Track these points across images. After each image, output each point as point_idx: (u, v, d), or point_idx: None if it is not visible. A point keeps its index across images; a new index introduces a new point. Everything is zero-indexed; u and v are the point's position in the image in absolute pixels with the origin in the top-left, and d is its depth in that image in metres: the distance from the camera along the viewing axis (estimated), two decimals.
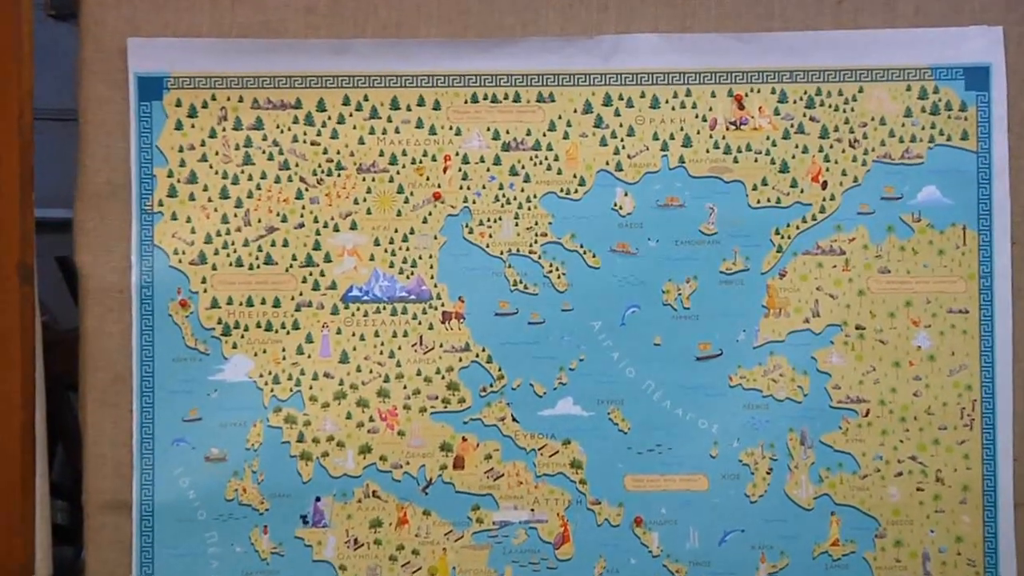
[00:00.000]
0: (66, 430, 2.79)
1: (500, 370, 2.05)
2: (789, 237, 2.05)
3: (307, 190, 2.04)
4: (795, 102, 2.05)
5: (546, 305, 2.05)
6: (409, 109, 2.04)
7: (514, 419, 2.05)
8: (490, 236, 2.05)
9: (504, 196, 2.06)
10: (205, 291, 2.04)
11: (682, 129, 2.06)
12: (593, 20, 2.03)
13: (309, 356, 2.04)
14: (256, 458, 2.03)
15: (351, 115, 2.04)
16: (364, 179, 2.05)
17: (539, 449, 2.05)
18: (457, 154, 2.05)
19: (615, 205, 2.05)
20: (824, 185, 2.05)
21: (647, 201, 2.05)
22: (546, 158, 2.06)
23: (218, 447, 2.02)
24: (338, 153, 2.05)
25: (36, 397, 1.99)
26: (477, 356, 2.05)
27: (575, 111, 2.05)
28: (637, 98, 2.05)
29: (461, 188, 2.05)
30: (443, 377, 2.05)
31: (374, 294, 2.04)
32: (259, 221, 2.04)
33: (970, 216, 2.04)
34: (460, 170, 2.05)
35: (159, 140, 2.03)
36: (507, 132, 2.05)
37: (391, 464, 2.05)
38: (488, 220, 2.06)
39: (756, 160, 2.05)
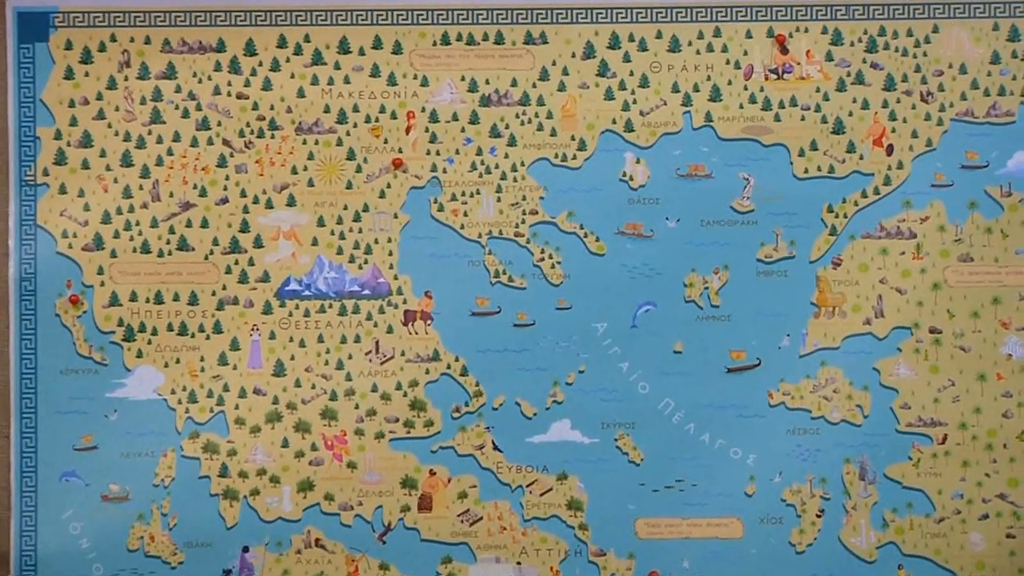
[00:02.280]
0: None
1: (478, 385, 1.78)
2: (845, 216, 1.78)
3: (232, 156, 1.78)
4: (852, 44, 1.78)
5: (536, 302, 1.78)
6: (362, 53, 1.78)
7: (496, 447, 1.78)
8: (465, 215, 1.79)
9: (483, 164, 1.78)
10: (102, 284, 1.78)
11: (709, 78, 1.79)
12: None
13: (234, 367, 1.78)
14: (167, 497, 1.77)
15: (288, 60, 1.78)
16: (304, 142, 1.78)
17: (528, 486, 1.78)
18: (423, 110, 1.79)
19: (624, 175, 1.79)
20: (889, 150, 1.79)
21: (664, 170, 1.78)
22: (536, 115, 1.79)
23: (119, 483, 1.77)
24: (271, 109, 1.78)
25: None
26: (449, 367, 1.78)
27: (573, 55, 1.79)
28: (652, 39, 1.78)
29: (428, 154, 1.79)
30: (405, 394, 1.78)
31: (317, 288, 1.78)
32: (171, 195, 1.78)
33: None
34: (427, 130, 1.79)
35: (44, 93, 1.77)
36: (486, 82, 1.79)
37: (339, 505, 1.78)
38: (463, 194, 1.79)
39: (803, 118, 1.79)
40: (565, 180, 1.77)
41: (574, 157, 1.77)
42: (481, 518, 1.77)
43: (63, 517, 1.76)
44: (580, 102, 1.77)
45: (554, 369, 1.76)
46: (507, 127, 1.77)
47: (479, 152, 1.77)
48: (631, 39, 1.77)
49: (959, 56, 1.77)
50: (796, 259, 1.77)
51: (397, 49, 1.76)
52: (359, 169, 1.77)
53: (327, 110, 1.77)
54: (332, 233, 1.77)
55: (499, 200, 1.77)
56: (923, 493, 1.77)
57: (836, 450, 1.77)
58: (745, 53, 1.77)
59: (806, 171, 1.77)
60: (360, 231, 1.77)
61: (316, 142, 1.77)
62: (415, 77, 1.77)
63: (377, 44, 1.76)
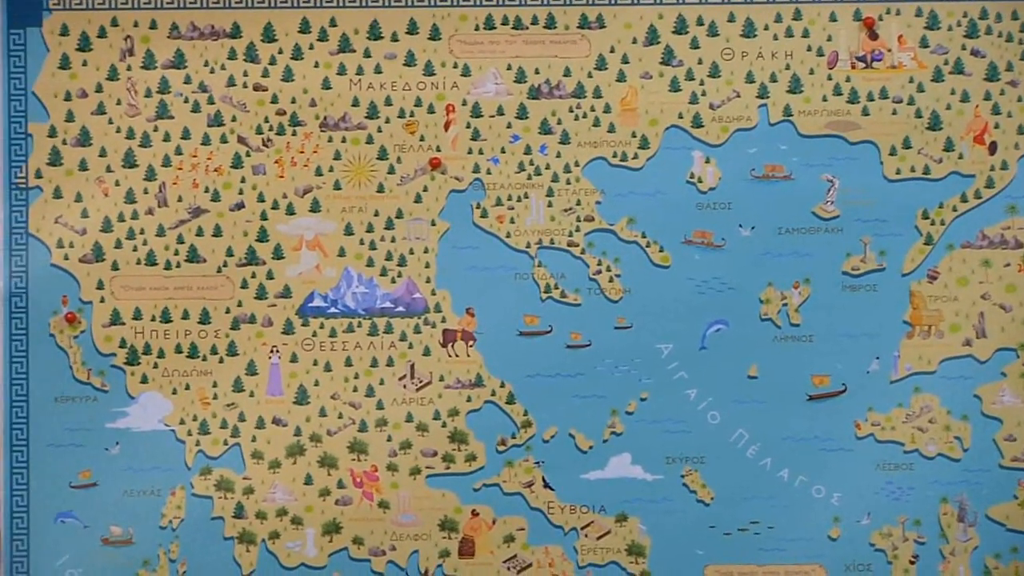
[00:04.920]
0: None
1: (526, 414, 1.67)
2: (942, 223, 1.67)
3: (248, 155, 1.67)
4: (950, 29, 1.67)
5: (592, 320, 1.66)
6: (395, 39, 1.66)
7: (547, 485, 1.67)
8: (512, 222, 1.67)
9: (532, 164, 1.67)
10: (102, 300, 1.66)
11: (788, 67, 1.67)
12: None
13: (251, 394, 1.67)
14: (175, 540, 1.66)
15: (311, 47, 1.66)
16: (330, 139, 1.67)
17: (583, 528, 1.67)
18: (464, 103, 1.67)
19: (691, 177, 1.67)
20: (992, 148, 1.68)
21: (738, 171, 1.67)
22: (592, 109, 1.67)
23: (121, 525, 1.66)
24: (293, 102, 1.66)
25: None
26: (493, 394, 1.67)
27: (634, 41, 1.67)
28: (724, 22, 1.67)
29: (470, 153, 1.67)
30: (444, 425, 1.67)
31: (345, 304, 1.67)
32: (179, 200, 1.67)
33: None
34: (469, 126, 1.67)
35: (36, 84, 1.66)
36: (536, 72, 1.67)
37: (369, 550, 1.67)
38: (509, 199, 1.67)
39: (894, 112, 1.67)
40: (625, 182, 1.65)
41: (635, 156, 1.65)
42: (530, 564, 1.65)
43: (58, 563, 1.65)
44: (642, 94, 1.65)
45: (612, 396, 1.65)
46: (559, 122, 1.65)
47: (527, 151, 1.65)
48: (700, 23, 1.65)
49: None
50: (886, 272, 1.65)
51: (435, 34, 1.65)
52: (392, 170, 1.65)
53: (356, 103, 1.65)
54: (361, 243, 1.65)
55: (550, 205, 1.65)
56: None
57: (932, 488, 1.66)
58: (829, 38, 1.65)
59: (898, 172, 1.65)
60: (393, 240, 1.65)
61: (343, 140, 1.65)
62: (455, 66, 1.65)
63: (412, 29, 1.65)
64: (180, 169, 1.65)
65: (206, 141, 1.65)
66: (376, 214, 1.65)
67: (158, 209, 1.65)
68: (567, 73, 1.65)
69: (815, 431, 1.64)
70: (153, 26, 1.64)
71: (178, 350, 1.64)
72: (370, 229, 1.65)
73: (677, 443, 1.64)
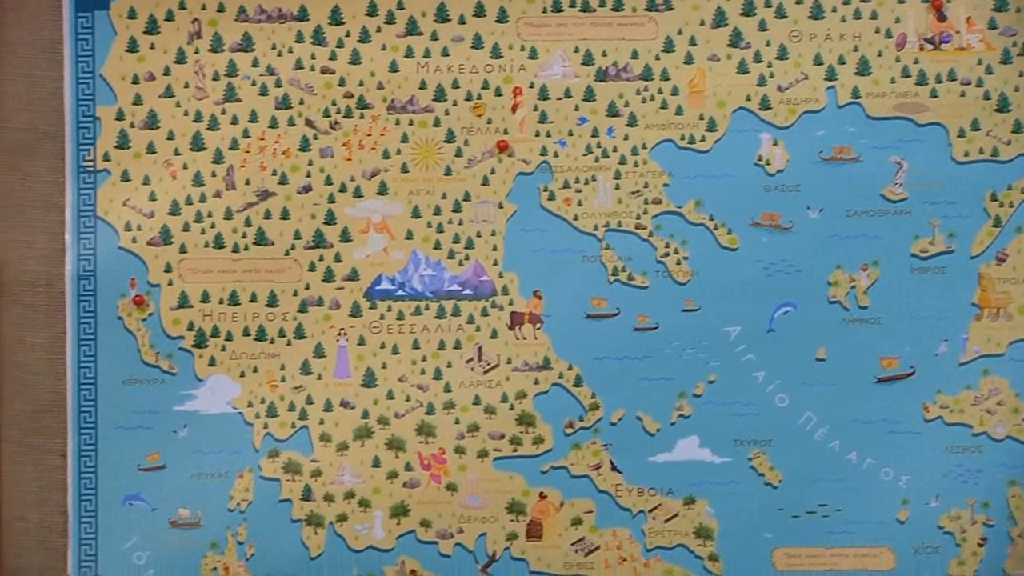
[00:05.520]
0: None
1: (594, 397, 1.64)
2: (1011, 205, 1.65)
3: (316, 138, 1.65)
4: (1019, 10, 1.64)
5: (660, 303, 1.64)
6: (462, 21, 1.65)
7: (614, 467, 1.64)
8: (579, 204, 1.65)
9: (599, 147, 1.65)
10: (170, 283, 1.65)
11: (856, 49, 1.65)
12: None
13: (319, 377, 1.65)
14: (243, 523, 1.64)
15: (379, 30, 1.64)
16: (398, 122, 1.65)
17: (650, 511, 1.65)
18: (532, 86, 1.65)
19: (760, 159, 1.65)
20: None
21: (806, 153, 1.64)
22: (660, 91, 1.65)
23: (189, 507, 1.64)
24: (360, 85, 1.65)
25: None
26: (561, 377, 1.64)
27: (701, 23, 1.65)
28: (791, 4, 1.65)
29: (538, 135, 1.65)
30: (512, 407, 1.65)
31: (412, 287, 1.65)
32: (247, 183, 1.65)
33: None
34: (536, 109, 1.65)
35: (104, 68, 1.64)
36: (603, 54, 1.65)
37: (437, 532, 1.65)
38: (576, 181, 1.65)
39: (963, 94, 1.65)
40: (692, 165, 1.63)
41: (703, 139, 1.63)
42: (598, 547, 1.63)
43: (126, 546, 1.63)
44: (709, 76, 1.63)
45: (680, 379, 1.63)
46: (627, 105, 1.63)
47: (595, 133, 1.63)
48: (767, 4, 1.63)
49: None
50: (955, 254, 1.63)
51: (502, 17, 1.63)
52: (459, 153, 1.64)
53: (423, 86, 1.63)
54: (429, 225, 1.63)
55: (618, 188, 1.63)
56: None
57: (1001, 471, 1.63)
58: (897, 20, 1.63)
59: (966, 154, 1.63)
60: (460, 223, 1.64)
61: (411, 122, 1.63)
62: (522, 48, 1.63)
63: (479, 11, 1.63)
64: (248, 152, 1.63)
65: (274, 124, 1.63)
66: (443, 197, 1.63)
67: (226, 192, 1.63)
68: (634, 55, 1.63)
69: (883, 413, 1.62)
70: (221, 9, 1.62)
71: (246, 333, 1.63)
72: (437, 212, 1.63)
73: (745, 426, 1.62)
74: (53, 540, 1.63)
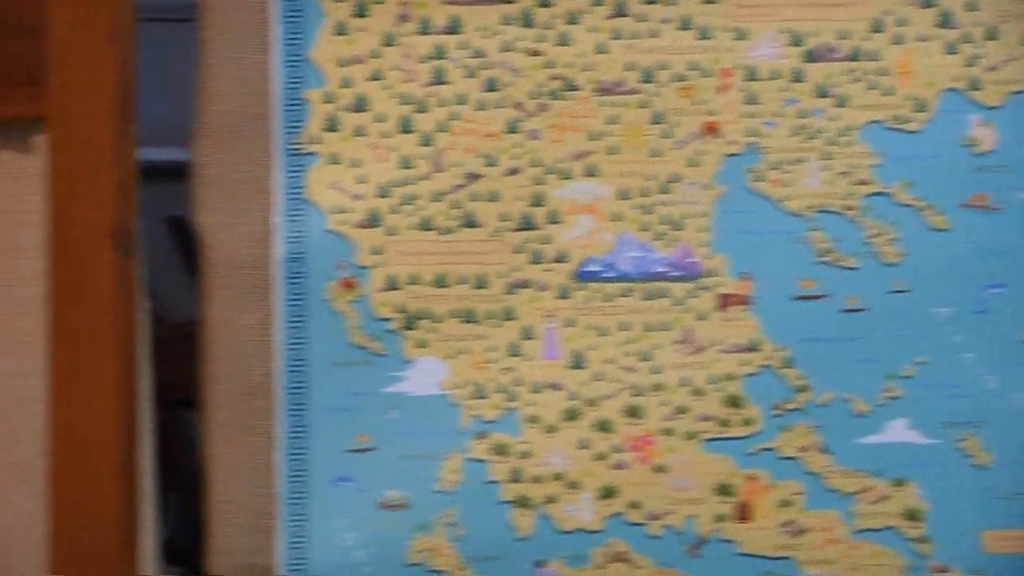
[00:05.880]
0: (181, 467, 2.41)
1: (802, 378, 1.63)
2: None
3: (524, 120, 1.64)
4: None
5: (869, 285, 1.63)
6: (670, 3, 1.64)
7: (823, 449, 1.63)
8: (787, 186, 1.64)
9: (808, 128, 1.64)
10: (379, 266, 1.64)
11: None
12: None
13: (528, 359, 1.64)
14: (452, 505, 1.64)
15: (587, 12, 1.64)
16: (605, 104, 1.64)
17: (859, 493, 1.63)
18: (740, 67, 1.64)
19: (968, 140, 1.64)
20: None
21: (1016, 134, 1.63)
22: (869, 72, 1.64)
23: (398, 489, 1.64)
24: (568, 67, 1.64)
25: (138, 420, 1.63)
26: (769, 359, 1.63)
27: (910, 3, 1.64)
28: None
29: (745, 116, 1.64)
30: (720, 389, 1.64)
31: (620, 269, 1.64)
32: (456, 165, 1.64)
33: None
34: (744, 90, 1.64)
35: (313, 51, 1.64)
36: (813, 35, 1.64)
37: (646, 514, 1.64)
38: (785, 163, 1.64)
39: None
40: (901, 146, 1.62)
41: (912, 120, 1.62)
42: (807, 529, 1.62)
43: (336, 527, 1.63)
44: (918, 57, 1.62)
45: (889, 361, 1.62)
46: (835, 86, 1.62)
47: (803, 114, 1.62)
48: None
49: None
50: None
51: None
52: (667, 134, 1.63)
53: (630, 68, 1.63)
54: (637, 207, 1.63)
55: (826, 169, 1.62)
56: None
57: None
58: None
59: None
60: (668, 205, 1.63)
61: (618, 104, 1.63)
62: (730, 30, 1.63)
63: None
64: (456, 135, 1.63)
65: (482, 107, 1.63)
66: (651, 178, 1.62)
67: (434, 174, 1.63)
68: (843, 36, 1.62)
69: None
70: None
71: (454, 315, 1.63)
72: (645, 193, 1.62)
73: (954, 408, 1.61)
74: (262, 522, 1.63)
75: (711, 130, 1.63)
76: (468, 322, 1.63)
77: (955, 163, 1.62)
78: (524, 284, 1.63)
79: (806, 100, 1.63)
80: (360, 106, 1.63)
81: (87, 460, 1.59)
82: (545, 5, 1.63)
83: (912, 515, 1.62)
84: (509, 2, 1.63)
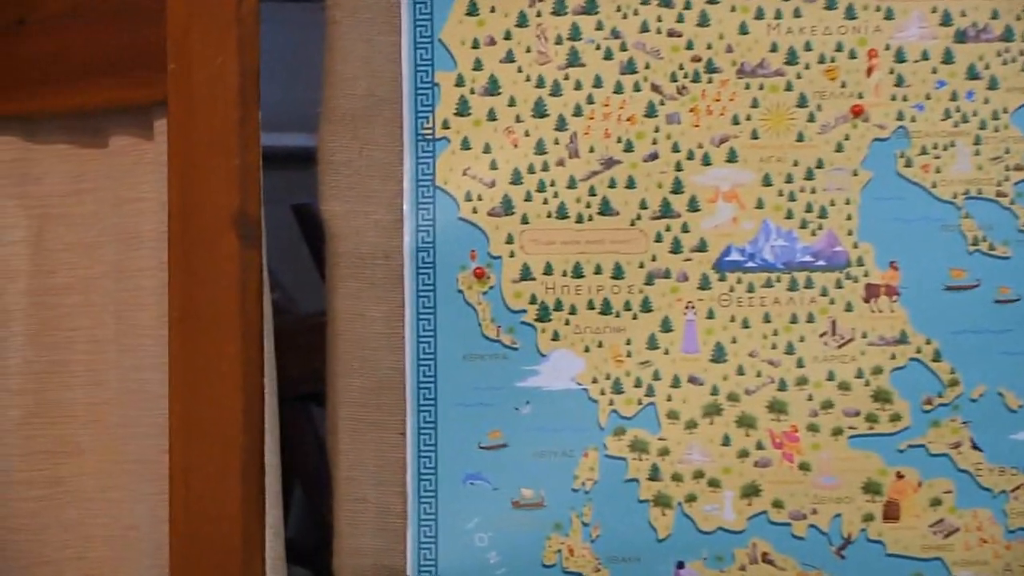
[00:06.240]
0: (307, 464, 2.39)
1: (953, 372, 1.57)
2: None
3: (662, 104, 1.59)
4: None
5: (1022, 274, 1.57)
6: None
7: (975, 446, 1.58)
8: (937, 171, 1.58)
9: (959, 111, 1.58)
10: (512, 256, 1.59)
11: None
12: None
13: (667, 352, 1.59)
14: (589, 504, 1.59)
15: None
16: (748, 86, 1.59)
17: (1012, 491, 1.58)
18: (887, 48, 1.58)
19: None
20: None
21: None
22: (1021, 53, 1.58)
23: (532, 487, 1.59)
24: (709, 48, 1.59)
25: (264, 416, 1.58)
26: (919, 351, 1.57)
27: None
28: None
29: (894, 99, 1.58)
30: (867, 383, 1.58)
31: (763, 258, 1.59)
32: (591, 151, 1.59)
33: None
34: (892, 72, 1.58)
35: (443, 32, 1.59)
36: (962, 14, 1.58)
37: (790, 513, 1.59)
38: (934, 147, 1.58)
39: None
40: None
41: None
42: (958, 529, 1.57)
43: (468, 526, 1.59)
44: None
45: None
46: (987, 67, 1.56)
47: (954, 97, 1.56)
48: None
49: None
50: None
51: None
52: (812, 118, 1.57)
53: (774, 49, 1.57)
54: (780, 194, 1.57)
55: (978, 154, 1.56)
56: None
57: None
58: None
59: None
60: (813, 191, 1.57)
61: (761, 87, 1.57)
62: (878, 9, 1.56)
63: None
64: (592, 119, 1.57)
65: (619, 89, 1.57)
66: (795, 164, 1.57)
67: (569, 160, 1.58)
68: (995, 16, 1.56)
69: None
70: None
71: (590, 306, 1.58)
72: (789, 180, 1.57)
73: None
74: (392, 521, 1.59)
75: (857, 114, 1.57)
76: (604, 314, 1.58)
77: None
78: (663, 274, 1.58)
79: (956, 82, 1.57)
80: (492, 89, 1.58)
81: (209, 458, 1.56)
82: None
83: None
84: None
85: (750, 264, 1.58)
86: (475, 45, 1.58)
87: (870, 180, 1.57)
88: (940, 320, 1.57)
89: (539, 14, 1.58)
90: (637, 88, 1.58)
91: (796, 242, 1.58)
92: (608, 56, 1.58)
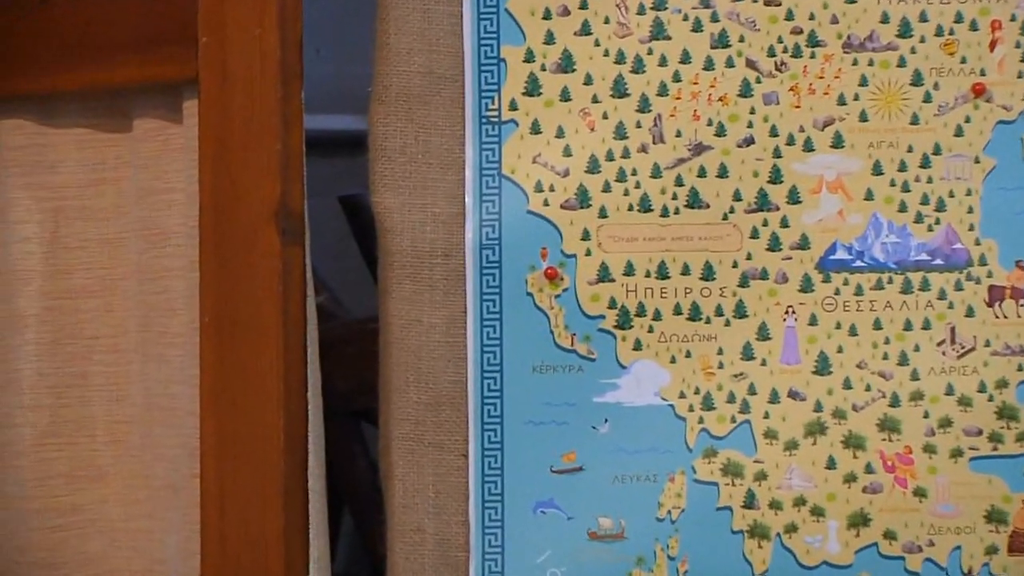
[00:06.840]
0: (357, 488, 2.37)
1: None
2: None
3: (759, 82, 1.50)
4: None
5: None
6: None
7: None
8: None
9: None
10: (588, 254, 1.51)
11: None
12: None
13: (764, 363, 1.51)
14: (675, 535, 1.51)
15: None
16: (855, 62, 1.50)
17: None
18: (1013, 19, 1.49)
19: None
20: None
21: None
22: None
23: (612, 516, 1.52)
24: (811, 19, 1.50)
25: (308, 433, 1.50)
26: None
27: None
28: None
29: (1021, 77, 1.49)
30: (991, 398, 1.49)
31: (872, 257, 1.51)
32: (678, 135, 1.51)
33: None
34: (1018, 46, 1.49)
35: (510, 1, 1.51)
36: None
37: (903, 545, 1.50)
38: None
39: None
40: None
41: None
42: None
43: (538, 560, 1.50)
44: None
45: None
46: None
47: None
48: None
49: None
50: None
51: None
52: (928, 98, 1.48)
53: (885, 20, 1.48)
54: (892, 184, 1.48)
55: None
56: None
57: None
58: None
59: None
60: (929, 181, 1.48)
61: (870, 63, 1.48)
62: None
63: None
64: (679, 99, 1.49)
65: (709, 66, 1.48)
66: (909, 150, 1.48)
67: (653, 146, 1.49)
68: None
69: None
70: None
71: (677, 311, 1.49)
72: (902, 168, 1.48)
73: None
74: (453, 554, 1.49)
75: (979, 93, 1.48)
76: (693, 320, 1.50)
77: None
78: (759, 275, 1.49)
79: None
80: (566, 66, 1.49)
81: (246, 483, 1.46)
82: None
83: None
84: None
85: (858, 263, 1.50)
86: (547, 15, 1.49)
87: (993, 168, 1.49)
88: None
89: None
90: (730, 64, 1.49)
91: (910, 238, 1.50)
92: (697, 28, 1.49)
